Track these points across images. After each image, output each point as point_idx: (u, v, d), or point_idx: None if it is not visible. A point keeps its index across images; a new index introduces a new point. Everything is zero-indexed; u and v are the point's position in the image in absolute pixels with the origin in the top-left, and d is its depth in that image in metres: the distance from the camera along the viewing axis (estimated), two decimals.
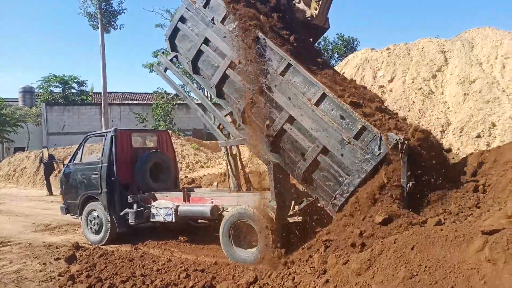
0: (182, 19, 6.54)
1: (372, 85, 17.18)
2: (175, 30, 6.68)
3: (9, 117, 28.75)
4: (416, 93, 15.73)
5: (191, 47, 6.39)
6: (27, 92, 35.18)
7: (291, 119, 5.18)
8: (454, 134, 13.38)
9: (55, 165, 17.51)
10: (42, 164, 17.46)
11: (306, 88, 5.09)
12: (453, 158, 11.15)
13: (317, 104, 4.94)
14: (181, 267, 5.44)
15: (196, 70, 6.49)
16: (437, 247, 3.26)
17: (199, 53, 6.28)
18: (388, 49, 18.89)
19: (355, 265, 3.56)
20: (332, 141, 4.78)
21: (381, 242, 3.76)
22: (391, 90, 16.63)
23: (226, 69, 5.87)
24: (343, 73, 19.22)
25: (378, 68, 18.16)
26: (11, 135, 29.55)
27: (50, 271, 5.74)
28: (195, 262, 5.76)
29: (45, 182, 17.21)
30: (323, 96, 4.92)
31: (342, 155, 4.72)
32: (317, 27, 7.22)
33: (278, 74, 5.29)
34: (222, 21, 5.94)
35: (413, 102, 15.42)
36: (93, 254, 6.44)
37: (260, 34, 5.52)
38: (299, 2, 6.92)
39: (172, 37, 6.76)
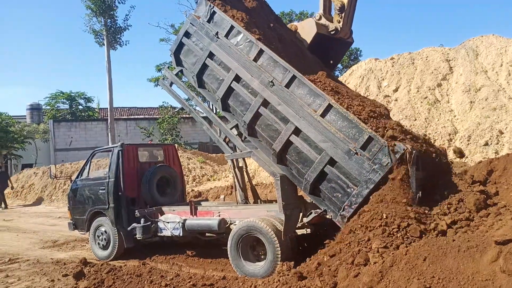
0: (187, 34, 6.61)
1: (377, 95, 17.20)
2: (180, 45, 6.75)
3: (17, 134, 29.06)
4: (421, 102, 15.71)
5: (196, 61, 6.44)
6: (35, 109, 35.63)
7: (297, 131, 5.16)
8: (461, 143, 13.28)
9: (8, 182, 20.33)
10: None
11: (312, 99, 5.10)
12: (462, 166, 11.07)
13: (323, 115, 4.94)
14: (189, 282, 5.39)
15: (201, 84, 6.53)
16: (450, 258, 3.21)
17: (204, 67, 6.33)
18: (392, 58, 18.95)
19: (366, 277, 3.50)
20: (339, 152, 4.76)
21: (393, 253, 3.70)
22: (396, 100, 16.63)
23: (231, 82, 5.89)
24: (348, 83, 19.32)
25: (383, 78, 18.20)
26: (19, 151, 29.84)
27: None
28: (204, 277, 5.70)
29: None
30: (329, 107, 4.92)
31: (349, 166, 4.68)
32: (341, 42, 7.24)
33: (283, 86, 5.31)
34: (227, 35, 5.99)
35: (419, 112, 15.38)
36: (101, 270, 6.38)
37: (264, 47, 5.56)
38: (319, 19, 6.97)
39: (177, 52, 6.83)
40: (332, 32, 6.96)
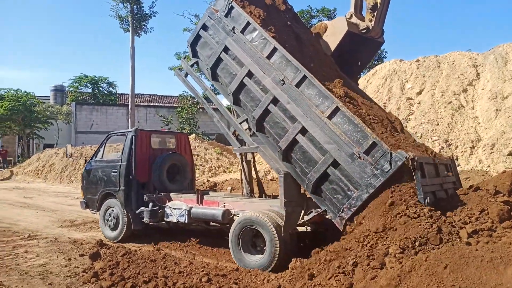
0: (204, 27, 6.69)
1: (400, 97, 16.91)
2: (197, 37, 6.83)
3: (40, 114, 29.80)
4: (445, 107, 15.35)
5: (211, 54, 6.52)
6: (59, 90, 36.44)
7: (303, 130, 5.18)
8: (484, 151, 12.92)
9: None
10: None
11: (320, 100, 5.10)
12: (483, 175, 10.77)
13: (330, 117, 4.95)
14: (202, 271, 5.41)
15: (215, 77, 6.61)
16: (472, 267, 3.15)
17: (219, 60, 6.39)
18: (417, 61, 18.56)
19: (384, 281, 3.44)
20: (342, 155, 4.76)
21: (412, 258, 3.63)
22: (419, 103, 16.30)
23: (244, 77, 5.94)
24: (370, 83, 19.03)
25: (407, 80, 17.86)
26: (42, 131, 30.64)
27: (75, 267, 5.82)
28: (217, 267, 5.74)
29: None
30: (336, 109, 4.92)
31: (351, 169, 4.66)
32: (372, 41, 7.16)
33: (293, 85, 5.33)
34: (242, 31, 6.02)
35: (442, 116, 15.01)
36: (116, 252, 6.45)
37: (278, 46, 5.58)
38: (350, 18, 6.91)
39: (194, 44, 6.91)
40: (363, 31, 6.86)
